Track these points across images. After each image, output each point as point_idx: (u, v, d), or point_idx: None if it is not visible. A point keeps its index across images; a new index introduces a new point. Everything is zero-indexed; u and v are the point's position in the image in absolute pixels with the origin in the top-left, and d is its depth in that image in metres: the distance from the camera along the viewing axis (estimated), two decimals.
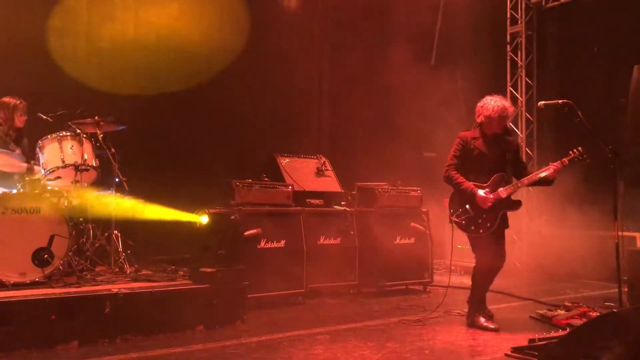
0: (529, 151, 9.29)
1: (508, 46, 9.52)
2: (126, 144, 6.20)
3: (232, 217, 5.66)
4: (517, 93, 9.39)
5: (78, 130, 5.37)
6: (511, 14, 9.50)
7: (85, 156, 5.29)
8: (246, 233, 5.70)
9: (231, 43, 8.24)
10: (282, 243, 5.98)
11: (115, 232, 5.52)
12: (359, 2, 9.49)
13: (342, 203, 6.79)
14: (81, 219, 5.50)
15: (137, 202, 6.12)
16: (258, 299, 5.53)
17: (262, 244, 5.84)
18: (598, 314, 5.12)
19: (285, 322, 5.18)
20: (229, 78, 8.12)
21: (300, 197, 6.44)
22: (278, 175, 6.62)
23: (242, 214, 5.73)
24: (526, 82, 9.38)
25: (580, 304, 5.64)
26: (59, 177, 5.26)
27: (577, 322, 5.02)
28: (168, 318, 4.57)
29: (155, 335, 4.44)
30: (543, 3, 9.29)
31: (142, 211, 6.21)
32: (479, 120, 5.09)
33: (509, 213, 5.13)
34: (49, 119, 5.64)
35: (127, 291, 4.52)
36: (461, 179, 5.00)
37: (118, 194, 5.66)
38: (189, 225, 5.77)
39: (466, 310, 5.23)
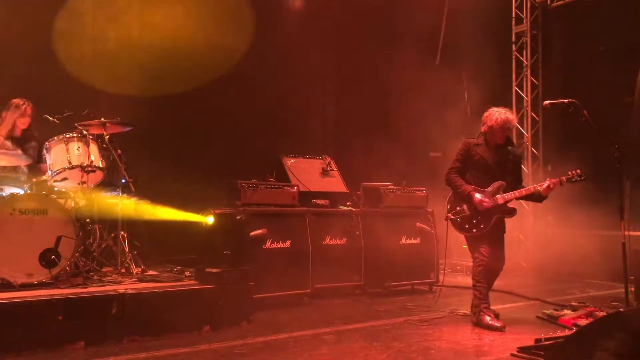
0: (534, 150, 9.26)
1: (513, 45, 9.50)
2: (132, 145, 6.22)
3: (238, 217, 5.67)
4: (523, 92, 9.37)
5: (84, 132, 5.40)
6: (516, 13, 9.49)
7: (92, 157, 5.32)
8: (252, 233, 5.71)
9: (236, 44, 8.24)
10: (288, 243, 5.99)
11: (122, 232, 5.54)
12: (364, 2, 9.49)
13: (348, 203, 6.80)
14: (88, 220, 5.53)
15: (143, 202, 6.15)
16: (264, 299, 5.54)
17: (268, 244, 5.85)
18: (604, 313, 5.11)
19: (291, 322, 5.19)
20: (234, 79, 8.12)
21: (306, 197, 6.46)
22: (283, 175, 6.64)
23: (248, 214, 5.74)
24: (531, 81, 9.36)
25: (587, 304, 5.64)
26: (65, 179, 5.29)
27: (584, 322, 5.01)
28: (174, 318, 4.58)
29: (162, 336, 4.45)
30: (548, 2, 9.27)
31: (148, 212, 6.24)
32: (482, 129, 5.28)
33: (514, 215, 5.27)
34: (55, 120, 5.66)
35: (134, 292, 4.54)
36: (460, 181, 5.22)
37: (124, 195, 5.68)
38: (195, 225, 5.79)
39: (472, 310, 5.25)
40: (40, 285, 4.61)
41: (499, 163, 5.24)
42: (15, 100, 5.58)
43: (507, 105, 7.95)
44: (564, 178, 5.12)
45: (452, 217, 5.24)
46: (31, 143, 5.73)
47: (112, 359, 3.98)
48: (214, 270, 4.94)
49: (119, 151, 5.62)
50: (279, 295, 5.82)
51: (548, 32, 9.44)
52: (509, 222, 5.42)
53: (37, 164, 5.73)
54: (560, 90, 9.22)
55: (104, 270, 5.40)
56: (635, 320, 2.03)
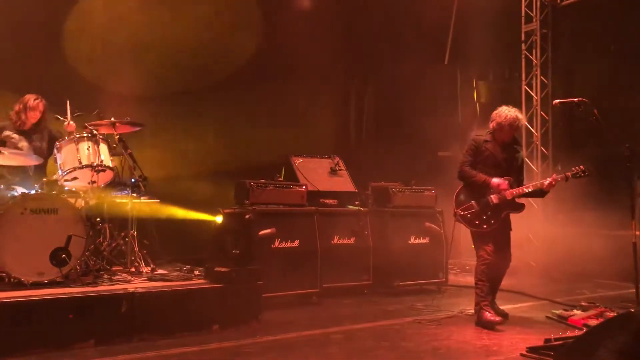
0: (544, 150, 9.21)
1: (523, 44, 9.44)
2: (142, 144, 6.25)
3: (247, 216, 5.69)
4: (532, 92, 9.32)
5: (95, 132, 5.43)
6: (526, 12, 9.43)
7: (102, 157, 5.35)
8: (260, 233, 5.72)
9: (246, 44, 8.27)
10: (296, 243, 5.99)
11: (132, 232, 5.56)
12: (373, 2, 9.48)
13: (356, 203, 6.80)
14: (98, 219, 5.56)
15: (153, 202, 6.18)
16: (272, 299, 5.55)
17: (276, 243, 5.86)
18: (615, 314, 5.07)
19: (300, 321, 5.20)
20: (244, 79, 8.15)
21: (314, 197, 6.46)
22: (292, 175, 6.65)
23: (257, 213, 5.75)
24: (541, 80, 9.30)
25: (597, 304, 5.60)
26: (76, 178, 5.32)
27: (594, 322, 4.97)
28: (184, 317, 4.60)
29: (171, 334, 4.47)
30: (558, 1, 9.21)
31: (158, 211, 6.27)
32: (491, 126, 5.30)
33: (521, 213, 5.30)
34: (65, 120, 5.71)
35: (144, 290, 4.56)
36: (474, 172, 5.22)
37: (134, 194, 5.70)
38: (204, 225, 5.82)
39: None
40: (51, 284, 4.64)
41: (507, 160, 5.29)
42: (28, 96, 5.64)
43: (517, 104, 7.93)
44: (569, 174, 5.12)
45: (462, 212, 5.22)
46: (42, 134, 5.75)
47: (122, 358, 4.00)
48: (223, 269, 4.95)
49: (129, 150, 5.65)
50: (287, 294, 5.83)
51: (558, 31, 9.38)
52: (518, 221, 5.41)
53: (47, 159, 5.74)
54: (570, 89, 9.17)
55: (113, 269, 5.43)
56: None
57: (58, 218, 4.77)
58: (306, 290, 6.00)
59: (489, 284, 5.17)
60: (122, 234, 5.71)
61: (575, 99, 4.99)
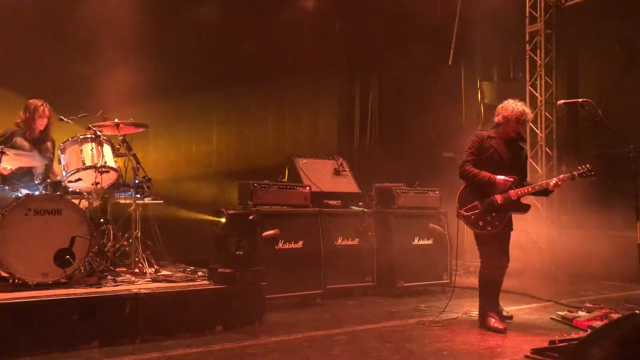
0: (548, 150, 9.19)
1: (527, 45, 9.42)
2: (146, 145, 6.26)
3: (250, 217, 5.69)
4: (537, 92, 9.30)
5: (99, 133, 5.44)
6: (530, 12, 9.41)
7: (106, 158, 5.36)
8: (264, 234, 5.72)
9: (250, 45, 8.27)
10: (300, 244, 5.99)
11: (136, 233, 5.57)
12: (377, 3, 9.47)
13: (360, 204, 6.79)
14: (102, 220, 5.57)
15: (156, 203, 6.19)
16: (276, 300, 5.55)
17: (280, 244, 5.86)
18: (620, 315, 5.05)
19: (303, 322, 5.19)
20: (247, 79, 8.16)
21: (318, 197, 6.46)
22: (296, 176, 6.64)
23: (260, 214, 5.75)
24: (545, 81, 9.28)
25: (602, 306, 5.58)
26: (80, 179, 5.33)
27: (599, 323, 4.96)
28: (187, 318, 4.61)
29: (175, 335, 4.48)
30: (562, 1, 9.19)
31: (161, 212, 6.28)
32: (496, 120, 5.14)
33: (525, 214, 5.18)
34: (69, 121, 5.72)
35: (147, 292, 4.57)
36: (476, 170, 5.01)
37: (138, 195, 5.71)
38: (208, 226, 5.82)
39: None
40: (55, 285, 4.65)
41: (511, 158, 5.11)
42: (33, 102, 5.62)
43: None
44: (575, 173, 4.96)
45: (466, 213, 5.02)
46: (47, 143, 5.78)
47: (125, 359, 4.01)
48: (227, 270, 4.95)
49: (133, 152, 5.66)
50: (291, 295, 5.83)
51: (562, 31, 9.36)
52: (522, 222, 5.35)
53: (51, 165, 5.79)
54: (574, 90, 9.14)
55: (117, 270, 5.43)
56: None
57: (62, 219, 4.78)
58: (310, 292, 5.99)
59: (493, 289, 5.08)
60: (126, 235, 5.72)
61: (580, 100, 4.98)
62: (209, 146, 7.90)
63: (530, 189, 5.03)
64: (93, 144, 5.37)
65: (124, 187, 5.82)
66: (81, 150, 5.31)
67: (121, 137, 5.68)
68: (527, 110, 5.13)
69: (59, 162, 5.48)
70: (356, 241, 6.51)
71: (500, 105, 5.16)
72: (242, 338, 4.53)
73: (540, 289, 7.04)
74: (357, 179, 7.11)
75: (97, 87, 6.84)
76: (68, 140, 5.44)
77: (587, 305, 5.65)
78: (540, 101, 9.24)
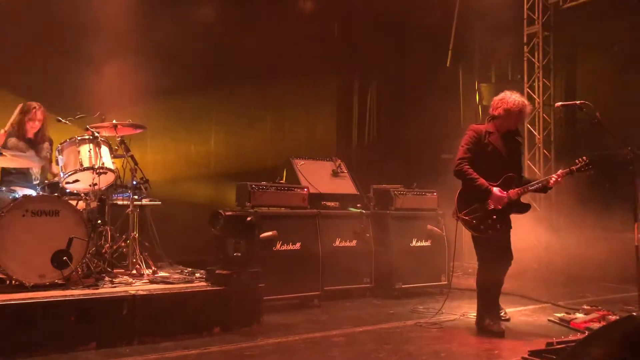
0: (546, 152, 9.20)
1: (525, 47, 9.44)
2: (144, 147, 6.25)
3: (248, 219, 5.67)
4: (534, 94, 9.31)
5: (96, 134, 5.44)
6: (528, 14, 9.42)
7: (104, 159, 5.35)
8: (262, 235, 5.72)
9: (248, 46, 8.27)
10: (298, 245, 5.99)
11: (133, 234, 5.57)
12: (375, 5, 9.48)
13: (358, 205, 6.79)
14: (99, 222, 5.56)
15: (154, 204, 6.19)
16: (274, 301, 5.55)
17: (278, 246, 5.85)
18: (617, 317, 5.06)
19: (301, 324, 5.19)
20: (245, 81, 8.16)
21: (316, 199, 6.46)
22: (294, 177, 6.64)
23: (258, 216, 5.75)
24: (543, 82, 9.30)
25: (600, 307, 5.59)
26: (77, 180, 5.32)
27: (596, 325, 4.96)
28: (185, 320, 4.60)
29: (172, 337, 4.47)
30: (560, 3, 9.21)
31: (159, 214, 6.27)
32: (496, 113, 4.93)
33: (523, 215, 5.05)
34: (67, 122, 5.71)
35: (145, 293, 4.56)
36: (475, 174, 4.80)
37: (136, 197, 5.71)
38: (206, 227, 5.80)
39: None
40: (52, 286, 4.64)
41: (509, 154, 4.94)
42: (27, 104, 5.63)
43: None
44: (573, 168, 4.83)
45: (466, 217, 4.85)
46: (43, 145, 5.77)
47: None
48: (225, 272, 4.95)
49: (131, 153, 5.65)
50: (289, 297, 5.82)
51: (560, 33, 9.37)
52: (520, 223, 5.29)
53: (48, 166, 5.79)
54: (572, 91, 9.16)
55: (115, 271, 5.43)
56: None
57: (59, 220, 4.77)
58: (308, 293, 5.99)
59: (491, 292, 4.99)
60: (124, 236, 5.71)
61: (577, 102, 4.97)
62: (207, 147, 7.90)
63: (530, 187, 4.90)
64: (91, 145, 5.36)
65: (122, 189, 5.81)
66: (79, 152, 5.30)
67: (119, 138, 5.68)
68: (527, 102, 5.00)
69: (57, 163, 5.48)
70: (354, 243, 6.51)
71: (498, 98, 4.96)
72: (240, 339, 4.53)
73: (538, 290, 7.04)
74: (355, 181, 7.11)
75: (95, 88, 6.83)
76: (66, 141, 5.43)
77: (585, 307, 5.66)
78: (538, 103, 9.25)
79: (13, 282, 4.60)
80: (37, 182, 5.57)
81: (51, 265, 4.68)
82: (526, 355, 4.14)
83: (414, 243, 6.81)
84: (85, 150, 5.32)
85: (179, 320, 4.57)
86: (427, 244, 6.91)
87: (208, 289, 4.90)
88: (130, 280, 5.15)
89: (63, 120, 5.70)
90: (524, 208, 4.99)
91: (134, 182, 5.65)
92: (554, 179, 4.87)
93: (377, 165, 8.60)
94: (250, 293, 4.97)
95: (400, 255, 6.62)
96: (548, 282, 8.00)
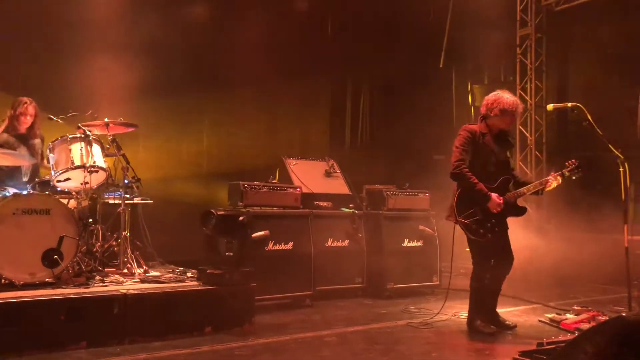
0: (538, 154, 9.25)
1: (517, 49, 9.49)
2: (136, 145, 6.23)
3: (240, 218, 5.68)
4: (527, 96, 9.35)
5: (88, 132, 5.41)
6: (521, 16, 9.47)
7: (95, 158, 5.33)
8: (254, 235, 5.71)
9: (240, 45, 8.26)
10: (290, 245, 5.98)
11: (124, 233, 5.55)
12: (369, 6, 9.50)
13: (350, 205, 6.79)
14: (90, 220, 5.54)
15: (146, 203, 6.17)
16: (266, 301, 5.54)
17: (270, 246, 5.85)
18: (607, 317, 5.09)
19: (293, 324, 5.18)
20: (238, 80, 8.15)
21: (309, 199, 6.45)
22: (286, 177, 6.64)
23: (250, 215, 5.74)
24: (536, 84, 9.34)
25: (589, 308, 5.62)
26: (68, 179, 5.30)
27: (586, 326, 4.99)
28: (176, 319, 4.58)
29: (163, 336, 4.45)
30: (553, 5, 9.25)
31: (151, 212, 6.25)
32: (492, 113, 4.88)
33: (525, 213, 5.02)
34: (59, 120, 5.69)
35: (136, 292, 4.54)
36: (474, 178, 4.73)
37: (127, 196, 5.69)
38: (198, 226, 5.80)
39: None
40: (43, 285, 4.61)
41: (503, 154, 4.92)
42: (19, 99, 5.60)
43: None
44: (565, 171, 4.83)
45: (465, 221, 4.78)
46: (35, 140, 5.74)
47: None
48: (216, 271, 4.94)
49: (123, 151, 5.63)
50: (280, 297, 5.82)
51: (553, 35, 9.42)
52: (510, 225, 5.30)
53: (40, 164, 5.75)
54: (565, 93, 9.21)
55: (106, 270, 5.40)
56: (638, 324, 2.02)
57: (50, 219, 4.74)
58: (299, 293, 5.98)
59: (484, 295, 4.97)
60: (115, 235, 5.69)
61: (569, 104, 5.00)
62: (200, 146, 7.88)
63: (525, 190, 4.88)
64: (82, 143, 5.34)
65: (113, 187, 5.79)
66: (70, 150, 5.27)
67: (111, 137, 5.65)
68: (520, 101, 4.97)
69: (48, 162, 5.45)
70: (346, 243, 6.52)
71: (492, 98, 4.89)
72: (231, 339, 4.52)
73: (528, 291, 7.07)
74: (347, 181, 7.11)
75: (87, 86, 6.80)
76: (57, 139, 5.40)
77: (575, 307, 5.68)
78: (530, 104, 9.30)
79: (3, 280, 4.56)
80: (28, 179, 5.53)
81: (42, 264, 4.65)
82: (517, 356, 4.15)
83: (405, 243, 6.82)
84: (77, 148, 5.30)
85: (170, 319, 4.55)
86: (419, 244, 6.92)
87: (199, 288, 4.88)
88: (122, 279, 5.12)
89: (55, 119, 5.68)
90: (520, 211, 4.97)
91: (126, 181, 5.63)
92: (549, 183, 4.85)
93: (370, 165, 8.60)
94: (241, 293, 4.95)
95: (392, 256, 6.63)
96: (538, 283, 8.04)
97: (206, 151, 7.96)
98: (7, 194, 4.91)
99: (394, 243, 6.72)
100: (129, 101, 6.94)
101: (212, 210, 5.42)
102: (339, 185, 7.02)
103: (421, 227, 6.93)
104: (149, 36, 7.38)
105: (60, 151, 5.32)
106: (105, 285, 4.81)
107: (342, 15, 9.76)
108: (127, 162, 5.57)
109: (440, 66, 9.95)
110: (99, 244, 5.58)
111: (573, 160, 4.89)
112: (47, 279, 4.65)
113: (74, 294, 4.40)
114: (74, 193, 5.39)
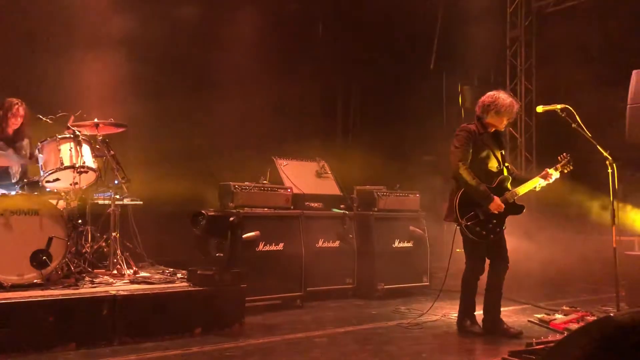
0: (528, 155, 9.30)
1: (507, 50, 9.54)
2: (125, 145, 6.20)
3: (231, 219, 5.66)
4: (516, 97, 9.40)
5: (77, 132, 5.38)
6: (511, 18, 9.52)
7: (85, 158, 5.29)
8: (245, 236, 5.70)
9: (231, 44, 8.25)
10: (281, 246, 5.98)
11: (114, 234, 5.52)
12: (359, 6, 9.51)
13: (341, 206, 6.80)
14: (80, 221, 5.51)
15: (135, 204, 6.14)
16: (256, 302, 5.53)
17: (261, 246, 5.84)
18: (595, 318, 5.12)
19: (283, 325, 5.19)
20: (228, 79, 8.13)
21: (300, 200, 6.45)
22: (277, 178, 6.63)
23: (241, 216, 5.73)
24: (525, 86, 9.40)
25: (578, 308, 5.66)
26: (58, 179, 5.26)
27: (575, 326, 5.02)
28: (166, 320, 4.57)
29: (153, 338, 4.43)
30: (543, 8, 9.32)
31: (140, 213, 6.22)
32: (487, 113, 4.84)
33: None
34: (48, 120, 5.64)
35: (126, 293, 4.52)
36: (477, 179, 4.70)
37: (117, 196, 5.66)
38: (188, 227, 5.77)
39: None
40: (31, 286, 4.58)
41: (500, 153, 4.92)
42: (9, 100, 5.55)
43: None
44: (558, 165, 4.89)
45: (467, 223, 4.73)
46: (23, 142, 5.69)
47: None
48: (207, 272, 4.93)
49: (112, 152, 5.60)
50: (271, 297, 5.81)
51: (542, 37, 9.48)
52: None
53: (28, 164, 5.71)
54: (554, 95, 9.26)
55: (95, 271, 5.38)
56: (626, 324, 2.03)
57: (39, 219, 4.71)
58: (290, 294, 5.98)
59: (474, 297, 4.95)
60: (105, 236, 5.66)
61: (559, 106, 5.03)
62: (190, 147, 7.84)
63: (523, 188, 4.88)
64: (72, 143, 5.30)
65: (103, 188, 5.76)
66: (59, 150, 5.23)
67: (100, 137, 5.62)
68: (515, 101, 4.96)
69: (37, 162, 5.40)
70: (337, 243, 6.52)
71: (488, 99, 4.85)
72: (222, 340, 4.51)
73: (518, 291, 7.09)
74: (338, 182, 7.12)
75: (77, 86, 6.76)
76: (46, 139, 5.35)
77: (564, 308, 5.72)
78: (520, 106, 9.34)
79: None
80: (17, 180, 5.49)
81: (30, 265, 4.63)
82: (506, 356, 4.18)
83: (396, 244, 6.84)
84: (66, 148, 5.25)
85: (160, 320, 4.54)
86: (409, 245, 6.94)
87: (190, 289, 4.87)
88: (111, 280, 5.10)
89: (44, 119, 5.63)
90: (518, 209, 4.95)
91: (116, 182, 5.60)
92: (547, 178, 4.88)
93: (361, 166, 8.61)
94: (232, 294, 4.95)
95: (382, 256, 6.65)
96: (528, 284, 8.07)
97: (196, 151, 7.92)
98: None
99: (384, 244, 6.73)
100: (119, 101, 6.90)
101: (203, 211, 5.39)
102: (329, 186, 7.03)
103: (411, 228, 6.95)
104: (140, 37, 7.35)
105: (49, 151, 5.28)
106: (95, 287, 4.79)
107: (333, 16, 9.76)
108: (117, 163, 5.54)
109: (431, 67, 9.97)
110: (88, 244, 5.55)
111: (565, 154, 4.93)
112: (35, 280, 4.63)
113: (63, 295, 4.38)
114: (63, 194, 5.36)
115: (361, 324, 5.31)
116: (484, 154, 4.86)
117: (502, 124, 4.93)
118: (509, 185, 4.93)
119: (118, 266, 5.44)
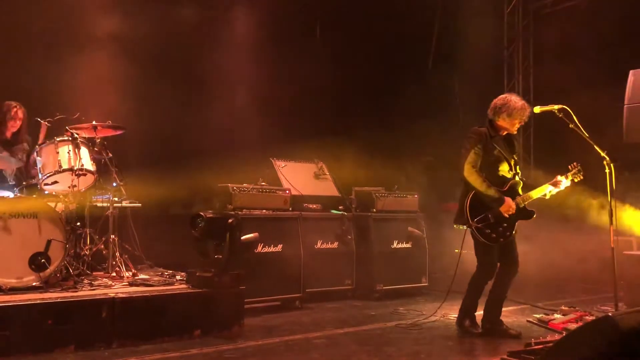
0: (525, 156, 9.31)
1: (505, 51, 9.56)
2: (124, 148, 6.19)
3: (229, 221, 5.66)
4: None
5: (76, 135, 5.38)
6: (509, 18, 9.54)
7: (83, 160, 5.29)
8: (243, 237, 5.70)
9: (231, 47, 8.25)
10: (280, 247, 5.98)
11: (113, 236, 5.52)
12: (356, 6, 9.51)
13: (340, 207, 6.81)
14: (78, 224, 5.50)
15: (134, 206, 6.13)
16: (255, 303, 5.54)
17: (259, 248, 5.85)
18: (594, 317, 5.13)
19: (282, 326, 5.19)
20: (225, 79, 8.13)
21: (298, 201, 6.46)
22: (275, 179, 6.63)
23: (239, 218, 5.72)
24: (523, 86, 9.41)
25: (577, 308, 5.67)
26: (56, 182, 5.26)
27: (574, 326, 5.04)
28: (165, 323, 4.57)
29: (152, 340, 4.43)
30: (541, 8, 9.34)
31: (139, 215, 6.22)
32: (499, 116, 4.80)
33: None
34: (46, 123, 5.64)
35: (124, 296, 4.52)
36: (487, 181, 4.71)
37: (115, 199, 5.66)
38: (186, 229, 5.77)
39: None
40: (30, 289, 4.58)
41: (511, 157, 4.88)
42: (7, 103, 5.55)
43: None
44: (569, 174, 4.89)
45: (478, 225, 4.72)
46: (22, 145, 5.69)
47: None
48: (205, 274, 4.93)
49: (110, 154, 5.60)
50: (270, 299, 5.82)
51: (540, 37, 9.50)
52: None
53: (27, 167, 5.71)
54: (551, 96, 9.27)
55: (94, 274, 5.38)
56: (624, 324, 2.04)
57: (38, 222, 4.71)
58: (289, 295, 5.99)
59: (477, 294, 4.95)
60: (103, 238, 5.66)
61: (556, 106, 5.04)
62: (188, 148, 7.84)
63: (534, 194, 4.88)
64: (70, 146, 5.30)
65: (101, 190, 5.75)
66: (58, 153, 5.24)
67: (99, 140, 5.62)
68: (527, 104, 4.95)
69: (35, 165, 5.40)
70: (335, 245, 6.53)
71: (500, 102, 4.82)
72: (221, 342, 4.51)
73: (517, 291, 7.08)
74: (336, 183, 7.12)
75: (75, 89, 6.75)
76: (45, 142, 5.36)
77: (563, 308, 5.73)
78: (531, 110, 9.35)
79: None
80: (15, 183, 5.48)
81: (29, 268, 4.63)
82: (505, 356, 4.18)
83: (394, 245, 6.85)
84: (65, 151, 5.26)
85: (159, 323, 4.54)
86: (408, 245, 6.95)
87: (189, 291, 4.87)
88: (110, 282, 5.10)
89: (41, 121, 5.63)
90: (529, 214, 4.94)
91: (114, 184, 5.60)
92: (560, 182, 4.88)
93: (359, 167, 8.61)
94: (231, 295, 4.95)
95: (381, 257, 6.66)
96: (526, 284, 8.08)
97: (195, 153, 7.91)
98: None
99: (383, 245, 6.74)
100: (117, 104, 6.89)
101: (201, 213, 5.39)
102: (328, 187, 7.03)
103: (410, 229, 6.96)
104: (138, 40, 7.34)
105: (47, 154, 5.28)
106: (94, 289, 4.79)
107: (331, 17, 9.76)
108: (115, 165, 5.54)
109: (429, 67, 9.98)
110: (87, 247, 5.55)
111: (575, 164, 4.95)
112: (34, 283, 4.62)
113: (61, 297, 4.38)
114: (61, 196, 5.35)
115: (360, 325, 5.31)
116: (495, 157, 4.82)
117: (514, 127, 4.89)
118: (520, 190, 4.90)
119: (117, 268, 5.44)
